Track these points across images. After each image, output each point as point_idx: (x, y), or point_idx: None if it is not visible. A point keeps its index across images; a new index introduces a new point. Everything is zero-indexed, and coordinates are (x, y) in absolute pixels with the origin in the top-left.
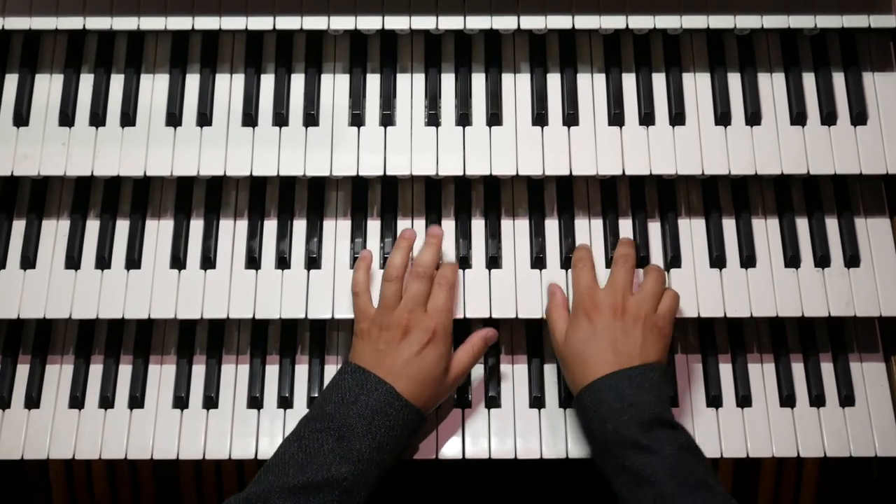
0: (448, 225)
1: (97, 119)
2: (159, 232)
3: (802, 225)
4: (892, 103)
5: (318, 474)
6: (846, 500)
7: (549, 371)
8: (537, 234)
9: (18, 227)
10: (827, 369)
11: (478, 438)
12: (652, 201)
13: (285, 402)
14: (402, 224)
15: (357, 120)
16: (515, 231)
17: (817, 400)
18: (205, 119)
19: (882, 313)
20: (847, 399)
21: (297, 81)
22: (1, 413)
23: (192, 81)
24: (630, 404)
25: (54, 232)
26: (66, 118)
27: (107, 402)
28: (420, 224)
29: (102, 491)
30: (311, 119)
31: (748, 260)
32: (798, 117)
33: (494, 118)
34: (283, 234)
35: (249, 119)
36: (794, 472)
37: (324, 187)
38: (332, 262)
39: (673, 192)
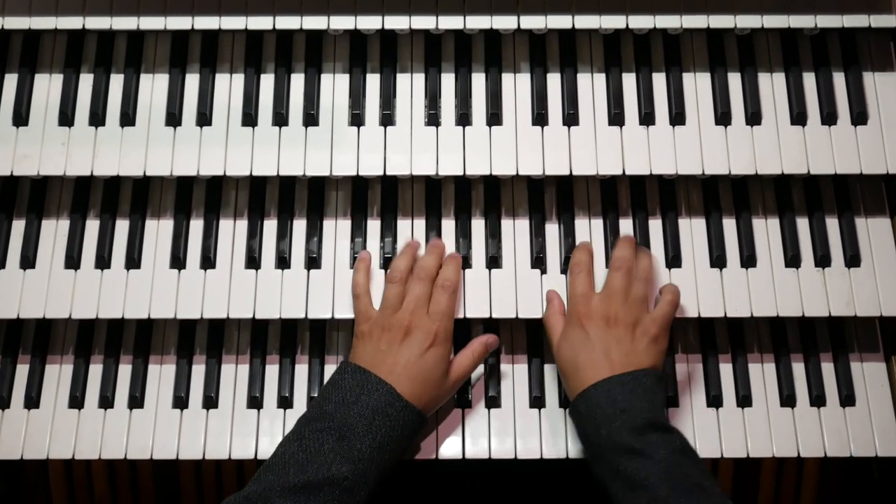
0: (448, 225)
1: (97, 119)
2: (159, 232)
3: (803, 225)
4: (892, 103)
5: (318, 473)
6: (846, 500)
7: (550, 371)
8: (537, 234)
9: (18, 226)
10: (827, 369)
11: (478, 438)
12: (652, 201)
13: (285, 402)
14: (402, 224)
15: (357, 120)
16: (515, 231)
17: (818, 400)
18: (204, 119)
19: (882, 313)
20: (847, 399)
21: (297, 81)
22: (0, 413)
23: (192, 81)
24: (623, 410)
25: (54, 232)
26: (66, 118)
27: (106, 401)
28: (420, 224)
29: (102, 491)
30: (310, 119)
31: (748, 260)
32: (798, 117)
33: (494, 118)
34: (283, 234)
35: (249, 119)
36: (795, 472)
37: (324, 187)
38: (332, 261)
39: (673, 191)
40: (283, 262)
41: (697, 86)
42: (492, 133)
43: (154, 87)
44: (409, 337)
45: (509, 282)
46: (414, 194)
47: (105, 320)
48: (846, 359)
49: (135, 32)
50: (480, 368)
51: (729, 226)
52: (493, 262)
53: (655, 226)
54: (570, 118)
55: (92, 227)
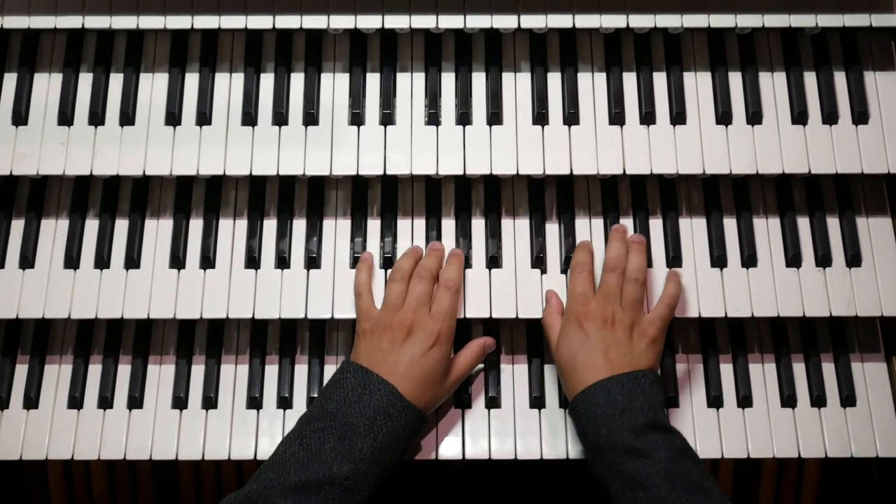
0: (448, 224)
1: (96, 118)
2: (158, 231)
3: (804, 224)
4: (893, 102)
5: (319, 473)
6: (847, 500)
7: (550, 371)
8: (538, 234)
9: (17, 226)
10: (828, 369)
11: (478, 439)
12: (653, 201)
13: (285, 403)
14: (402, 223)
15: (357, 119)
16: (516, 231)
17: (818, 400)
18: (204, 118)
19: (883, 313)
20: (848, 399)
21: (297, 80)
22: None
23: (192, 80)
24: (623, 410)
25: (53, 231)
26: (65, 117)
27: (106, 402)
28: (420, 224)
29: (101, 491)
30: (310, 118)
31: (749, 259)
32: (799, 116)
33: (495, 117)
34: (283, 234)
35: (249, 118)
36: (796, 472)
37: (323, 187)
38: (332, 261)
39: (674, 191)
40: (282, 261)
41: (698, 85)
42: (492, 132)
43: (154, 87)
44: (411, 336)
45: (509, 282)
46: (414, 194)
47: (104, 320)
48: (847, 359)
49: (134, 32)
50: (480, 368)
51: (730, 225)
52: (494, 261)
53: (656, 225)
54: (571, 117)
55: (91, 226)
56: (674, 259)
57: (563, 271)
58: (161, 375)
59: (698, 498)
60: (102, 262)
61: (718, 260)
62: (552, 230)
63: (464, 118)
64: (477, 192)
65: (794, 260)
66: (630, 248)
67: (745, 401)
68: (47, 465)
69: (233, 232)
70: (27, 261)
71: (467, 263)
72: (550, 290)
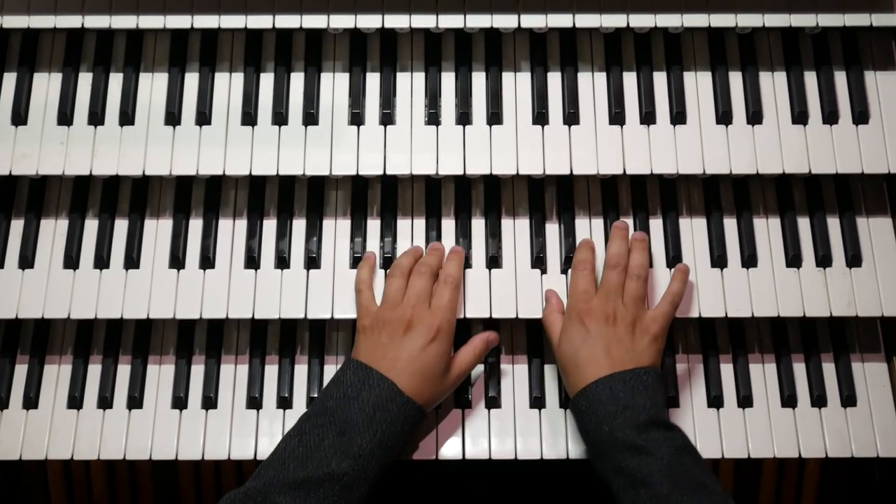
0: (448, 224)
1: (96, 118)
2: (158, 231)
3: (804, 224)
4: (893, 102)
5: (318, 469)
6: (848, 500)
7: (550, 371)
8: (538, 234)
9: (17, 226)
10: (828, 369)
11: (478, 439)
12: (653, 201)
13: (284, 403)
14: (402, 223)
15: (357, 119)
16: (516, 231)
17: (819, 400)
18: (204, 118)
19: (884, 313)
20: (849, 399)
21: (297, 80)
22: None
23: (192, 80)
24: (625, 407)
25: (53, 231)
26: (65, 117)
27: (105, 402)
28: (420, 223)
29: (101, 491)
30: (310, 118)
31: (749, 259)
32: (800, 116)
33: (495, 117)
34: (283, 234)
35: (249, 118)
36: (796, 472)
37: (323, 186)
38: (332, 261)
39: (674, 191)
40: (282, 261)
41: (698, 85)
42: (492, 132)
43: (153, 86)
44: (410, 331)
45: (509, 282)
46: (414, 194)
47: (104, 320)
48: (847, 359)
49: (134, 31)
50: (480, 368)
51: (730, 225)
52: (494, 261)
53: (656, 225)
54: (571, 117)
55: (91, 226)
56: (674, 259)
57: (564, 271)
58: (161, 375)
59: (700, 495)
60: (102, 262)
61: (718, 260)
62: (552, 230)
63: (464, 118)
64: (477, 192)
65: (794, 260)
66: (632, 245)
67: (745, 401)
68: (47, 465)
69: (232, 232)
70: (27, 261)
71: (467, 263)
72: (550, 290)
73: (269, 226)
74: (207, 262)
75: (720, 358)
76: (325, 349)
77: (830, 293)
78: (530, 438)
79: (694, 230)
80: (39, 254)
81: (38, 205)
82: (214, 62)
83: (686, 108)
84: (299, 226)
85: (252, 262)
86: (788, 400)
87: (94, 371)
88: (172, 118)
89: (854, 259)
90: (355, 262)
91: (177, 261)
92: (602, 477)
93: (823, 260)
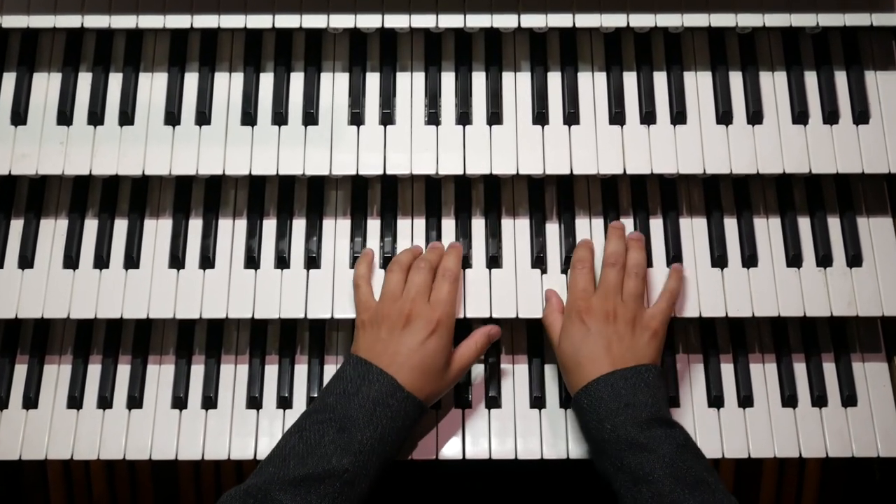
0: (448, 224)
1: (95, 118)
2: (158, 231)
3: (804, 224)
4: (894, 102)
5: (318, 466)
6: (848, 500)
7: (550, 371)
8: (538, 234)
9: (16, 226)
10: (829, 369)
11: (478, 439)
12: (653, 200)
13: (284, 403)
14: (402, 223)
15: (357, 119)
16: (516, 230)
17: (819, 400)
18: (203, 118)
19: (884, 313)
20: (849, 399)
21: (297, 80)
22: None
23: (191, 80)
24: (627, 404)
25: (52, 231)
26: (65, 117)
27: (105, 402)
28: (420, 223)
29: (101, 491)
30: (310, 118)
31: (750, 259)
32: (800, 116)
33: (495, 117)
34: (283, 234)
35: (248, 118)
36: (797, 472)
37: (323, 186)
38: (332, 261)
39: (674, 191)
40: (282, 261)
41: (699, 85)
42: (492, 132)
43: (153, 86)
44: (410, 325)
45: (510, 282)
46: (414, 193)
47: (104, 320)
48: (848, 359)
49: (134, 31)
50: (480, 369)
51: (730, 225)
52: (494, 261)
53: (656, 225)
54: (571, 117)
55: (90, 226)
56: (674, 259)
57: (564, 271)
58: (161, 375)
59: (702, 493)
60: (102, 261)
61: (719, 260)
62: (552, 230)
63: (464, 118)
64: (477, 192)
65: (794, 260)
66: (629, 244)
67: (745, 401)
68: (47, 465)
69: (232, 232)
70: (26, 261)
71: (467, 263)
72: (550, 290)
73: (269, 226)
74: (207, 261)
75: (720, 358)
76: (325, 349)
77: (831, 293)
78: (530, 438)
79: (694, 230)
80: (39, 254)
81: (37, 205)
82: (214, 62)
83: (686, 107)
84: (299, 226)
85: (252, 261)
86: (789, 400)
87: (94, 371)
88: (172, 118)
89: (854, 259)
90: (355, 261)
91: (176, 261)
92: (604, 475)
93: (824, 260)
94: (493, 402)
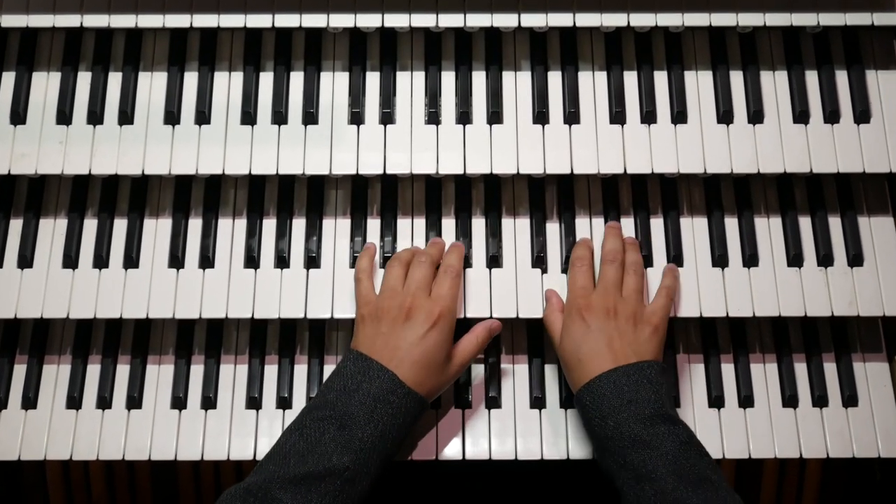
0: (448, 224)
1: (95, 117)
2: (157, 231)
3: (805, 224)
4: (895, 101)
5: (319, 464)
6: (849, 500)
7: (550, 371)
8: (538, 234)
9: (15, 226)
10: (830, 369)
11: (478, 439)
12: (654, 200)
13: (284, 403)
14: (402, 223)
15: (357, 118)
16: (516, 230)
17: (820, 400)
18: (203, 117)
19: (885, 313)
20: (850, 399)
21: (297, 79)
22: None
23: (191, 79)
24: (629, 401)
25: (52, 231)
26: (64, 116)
27: (104, 402)
28: (420, 223)
29: (100, 492)
30: (310, 117)
31: (751, 259)
32: (801, 116)
33: (495, 116)
34: (283, 233)
35: (248, 117)
36: (797, 472)
37: (323, 186)
38: (332, 261)
39: (675, 190)
40: (282, 261)
41: (699, 84)
42: (492, 131)
43: (152, 86)
44: (410, 319)
45: (510, 281)
46: (414, 193)
47: (103, 320)
48: (849, 359)
49: (133, 30)
50: (480, 369)
51: (731, 225)
52: (494, 261)
53: (657, 225)
54: (571, 116)
55: (90, 226)
56: (675, 259)
57: (564, 271)
58: (160, 375)
59: (705, 490)
60: (101, 261)
61: (720, 259)
62: (553, 230)
63: (464, 117)
64: (477, 192)
65: (795, 259)
66: (626, 246)
67: (746, 401)
68: (46, 466)
69: (232, 231)
70: (25, 260)
71: (468, 263)
72: (550, 290)
73: (269, 225)
74: (207, 261)
75: (721, 358)
76: (325, 349)
77: (832, 293)
78: (530, 439)
79: (695, 230)
80: (38, 253)
81: (36, 204)
82: (214, 61)
83: (687, 107)
84: (299, 225)
85: (252, 261)
86: (790, 400)
87: (93, 371)
88: (172, 117)
89: (855, 258)
90: (355, 261)
91: (176, 260)
92: (607, 472)
93: (825, 259)
94: (493, 403)
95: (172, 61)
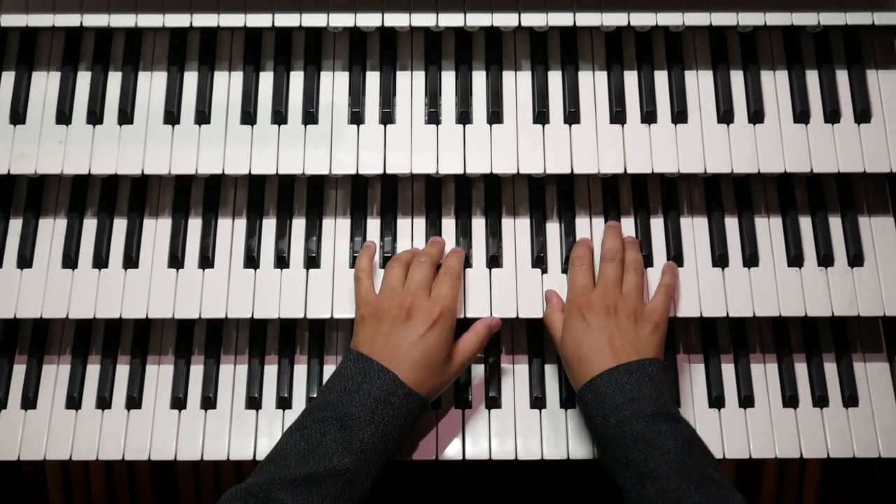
0: (448, 224)
1: (94, 117)
2: (157, 231)
3: (806, 224)
4: (895, 101)
5: (320, 465)
6: (849, 500)
7: (550, 371)
8: (538, 234)
9: (15, 225)
10: (830, 369)
11: (478, 439)
12: (654, 200)
13: (284, 403)
14: (402, 223)
15: (357, 118)
16: (516, 230)
17: (820, 400)
18: (203, 117)
19: (886, 313)
20: (850, 399)
21: (297, 79)
22: None
23: (191, 79)
24: (632, 399)
25: (51, 231)
26: (64, 116)
27: (104, 402)
28: (420, 223)
29: (100, 492)
30: (310, 117)
31: (751, 259)
32: (801, 115)
33: (495, 116)
34: (282, 233)
35: (248, 117)
36: (797, 472)
37: (323, 186)
38: (332, 261)
39: (675, 190)
40: (282, 261)
41: (699, 84)
42: (492, 131)
43: (152, 85)
44: (410, 319)
45: (510, 281)
46: (414, 193)
47: (102, 320)
48: (849, 359)
49: (133, 30)
50: (480, 369)
51: (731, 225)
52: (494, 261)
53: (657, 225)
54: (572, 116)
55: (89, 226)
56: (675, 258)
57: (564, 271)
58: (160, 375)
59: (707, 489)
60: (101, 261)
61: (720, 259)
62: (553, 229)
63: (464, 117)
64: (477, 192)
65: (795, 259)
66: (626, 245)
67: (746, 401)
68: (45, 466)
69: (232, 231)
70: (25, 260)
71: (468, 263)
72: (550, 290)
73: (269, 225)
74: (206, 261)
75: (721, 358)
76: (325, 349)
77: (832, 293)
78: (531, 439)
79: (695, 229)
80: (38, 253)
81: (36, 204)
82: (214, 61)
83: (687, 107)
84: (299, 225)
85: (251, 261)
86: (790, 400)
87: (93, 371)
88: (171, 117)
89: (856, 258)
90: (355, 261)
91: (176, 260)
92: (608, 470)
93: (825, 259)
94: (494, 403)
95: (172, 61)
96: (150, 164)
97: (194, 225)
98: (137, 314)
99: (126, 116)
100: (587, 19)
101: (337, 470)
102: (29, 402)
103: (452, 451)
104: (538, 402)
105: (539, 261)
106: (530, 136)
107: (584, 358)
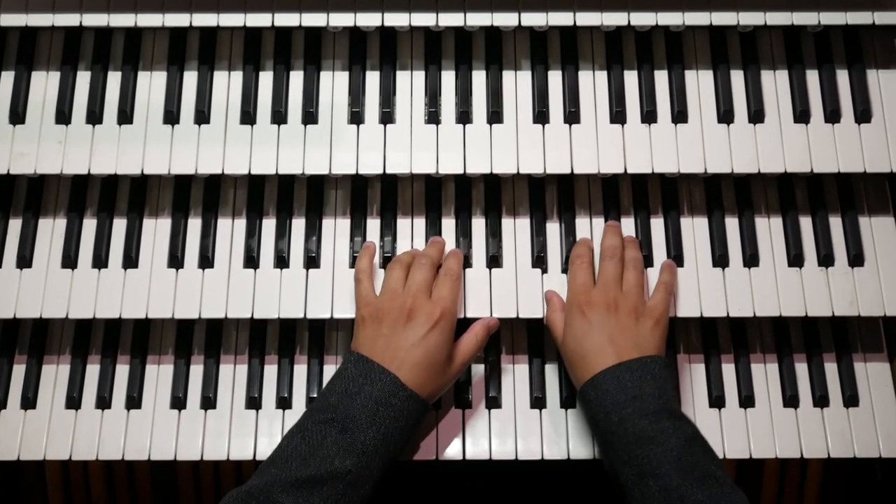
0: (448, 224)
1: (94, 117)
2: (157, 231)
3: (806, 224)
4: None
5: (321, 467)
6: (850, 500)
7: (551, 371)
8: (538, 234)
9: (14, 225)
10: (831, 369)
11: (478, 439)
12: (654, 200)
13: (284, 403)
14: (402, 223)
15: (356, 118)
16: (516, 230)
17: (821, 400)
18: (203, 117)
19: (886, 313)
20: (851, 399)
21: (296, 79)
22: None
23: (190, 79)
24: (634, 396)
25: (51, 231)
26: (63, 116)
27: (104, 402)
28: (420, 223)
29: (99, 492)
30: (310, 117)
31: (751, 259)
32: (801, 115)
33: (495, 116)
34: (282, 233)
35: (248, 117)
36: (798, 472)
37: (323, 186)
38: (332, 261)
39: (675, 190)
40: (281, 261)
41: (700, 83)
42: (492, 131)
43: (152, 85)
44: (411, 320)
45: (510, 281)
46: (414, 193)
47: (102, 320)
48: (849, 359)
49: (132, 29)
50: (480, 369)
51: (731, 225)
52: (494, 261)
53: (657, 225)
54: (572, 116)
55: (89, 226)
56: (675, 259)
57: (564, 271)
58: (159, 375)
59: (710, 487)
60: (100, 261)
61: (720, 259)
62: (553, 229)
63: (464, 117)
64: (477, 192)
65: (796, 259)
66: (625, 243)
67: (747, 401)
68: (45, 466)
69: (231, 231)
70: (24, 260)
71: (468, 263)
72: (551, 291)
73: (269, 225)
74: (206, 261)
75: (722, 358)
76: (325, 349)
77: (832, 293)
78: (531, 439)
79: (695, 229)
80: (37, 253)
81: (36, 204)
82: (213, 60)
83: (687, 106)
84: (299, 225)
85: (251, 261)
86: (790, 400)
87: (93, 371)
88: (171, 117)
89: (856, 258)
90: (355, 261)
91: (175, 260)
92: (610, 468)
93: (825, 259)
94: (494, 403)
95: (172, 61)
96: (149, 163)
97: (194, 225)
98: (137, 314)
99: (126, 116)
100: (587, 19)
101: (338, 472)
102: (29, 402)
103: (453, 451)
104: (538, 401)
105: (539, 261)
106: (530, 135)
107: (585, 355)
